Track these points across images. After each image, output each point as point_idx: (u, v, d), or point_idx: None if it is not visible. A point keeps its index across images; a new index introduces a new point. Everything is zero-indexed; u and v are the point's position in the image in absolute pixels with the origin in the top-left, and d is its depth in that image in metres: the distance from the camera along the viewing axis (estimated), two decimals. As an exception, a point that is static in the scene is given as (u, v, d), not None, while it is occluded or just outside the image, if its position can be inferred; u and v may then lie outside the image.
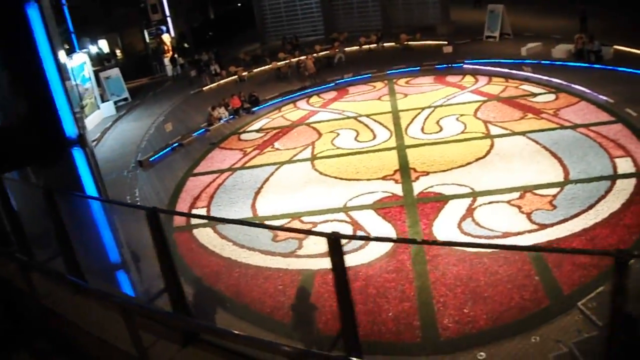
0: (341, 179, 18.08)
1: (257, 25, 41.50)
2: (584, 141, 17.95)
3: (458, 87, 25.12)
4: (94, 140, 25.90)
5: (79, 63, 29.23)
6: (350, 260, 13.48)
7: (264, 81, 31.18)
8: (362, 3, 38.53)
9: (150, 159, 22.33)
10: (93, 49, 35.58)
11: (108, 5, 37.52)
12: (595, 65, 24.50)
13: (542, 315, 10.75)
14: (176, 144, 23.53)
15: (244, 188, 18.74)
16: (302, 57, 31.36)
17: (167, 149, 23.10)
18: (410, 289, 12.08)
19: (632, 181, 15.11)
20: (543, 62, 26.07)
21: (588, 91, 21.80)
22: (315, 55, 32.38)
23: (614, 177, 15.47)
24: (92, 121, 28.46)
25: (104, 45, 38.20)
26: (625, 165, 16.04)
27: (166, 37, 38.34)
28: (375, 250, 13.60)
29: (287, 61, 32.08)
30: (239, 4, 49.69)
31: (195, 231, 16.15)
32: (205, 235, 15.88)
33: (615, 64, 24.14)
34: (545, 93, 22.72)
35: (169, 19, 39.01)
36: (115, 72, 32.37)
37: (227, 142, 23.55)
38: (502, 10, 31.01)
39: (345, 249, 3.70)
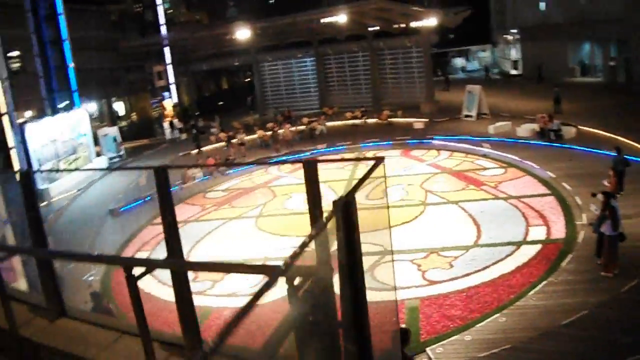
0: (275, 234, 18.91)
1: (257, 97, 43.38)
2: (510, 211, 18.57)
3: (418, 160, 26.07)
4: (79, 190, 27.41)
5: (76, 119, 31.13)
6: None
7: (248, 148, 32.50)
8: (355, 81, 40.28)
9: (121, 209, 23.53)
10: (93, 108, 37.62)
11: (119, 71, 40.14)
12: (555, 144, 25.12)
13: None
14: (148, 198, 24.69)
15: (188, 238, 19.63)
16: (280, 128, 32.80)
17: (139, 201, 24.23)
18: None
19: (536, 247, 15.63)
20: (507, 139, 26.78)
21: (536, 167, 22.41)
22: (301, 127, 33.83)
23: (521, 243, 16.01)
24: (82, 175, 29.93)
25: (119, 107, 40.88)
26: (537, 233, 16.59)
27: (167, 103, 40.36)
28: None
29: (270, 131, 33.36)
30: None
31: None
32: (143, 280, 16.73)
33: (573, 143, 24.77)
34: (495, 167, 23.45)
35: (172, 86, 41.13)
36: (112, 131, 34.22)
37: (192, 198, 24.74)
38: (480, 92, 32.10)
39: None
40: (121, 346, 4.42)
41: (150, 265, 4.11)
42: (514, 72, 48.20)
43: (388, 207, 4.38)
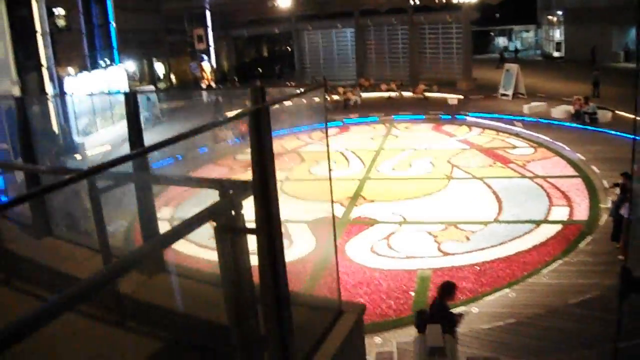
0: (298, 198, 19.07)
1: (295, 66, 43.50)
2: (534, 190, 18.47)
3: (449, 135, 25.96)
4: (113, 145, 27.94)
5: (114, 76, 31.77)
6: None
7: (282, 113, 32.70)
8: (393, 54, 40.08)
9: (152, 165, 23.93)
10: (132, 67, 38.16)
11: (161, 33, 40.64)
12: (589, 127, 24.78)
13: (396, 322, 11.44)
14: (179, 157, 25.14)
15: (213, 197, 19.99)
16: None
17: (170, 159, 24.61)
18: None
19: (557, 227, 15.50)
20: (541, 120, 26.55)
21: (567, 148, 22.17)
22: (336, 96, 33.89)
23: (541, 222, 15.92)
24: (118, 129, 30.51)
25: (159, 68, 41.42)
26: (559, 213, 16.45)
27: (206, 66, 40.73)
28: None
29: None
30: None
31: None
32: (161, 228, 17.10)
33: (608, 127, 24.40)
34: (526, 147, 23.28)
35: (211, 50, 41.45)
36: (148, 90, 34.74)
37: (221, 160, 25.02)
38: (517, 70, 31.69)
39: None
40: (92, 262, 4.69)
41: (113, 178, 4.44)
42: (556, 54, 47.31)
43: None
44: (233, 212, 3.31)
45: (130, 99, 4.65)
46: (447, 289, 8.71)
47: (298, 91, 6.00)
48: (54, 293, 4.59)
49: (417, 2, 37.08)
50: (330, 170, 4.90)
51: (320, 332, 4.30)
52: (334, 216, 5.58)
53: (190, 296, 4.59)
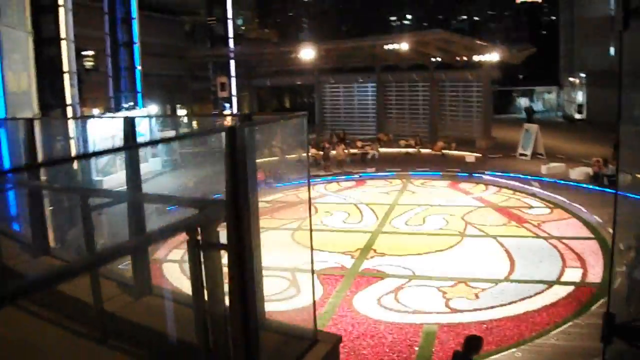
0: (309, 248, 18.95)
1: (316, 118, 43.91)
2: (548, 250, 18.22)
3: (465, 193, 25.89)
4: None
5: (137, 119, 32.20)
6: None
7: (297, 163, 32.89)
8: (414, 110, 40.34)
9: (168, 208, 24.14)
10: (155, 111, 38.82)
11: (185, 79, 41.49)
12: (608, 189, 24.54)
13: (398, 378, 11.21)
14: (193, 202, 25.29)
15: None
16: (332, 149, 33.15)
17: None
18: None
19: (569, 289, 15.21)
20: (559, 181, 26.40)
21: (584, 210, 21.92)
22: (354, 150, 34.10)
23: (553, 282, 15.65)
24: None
25: (182, 114, 42.33)
26: (572, 275, 16.18)
27: (227, 114, 41.34)
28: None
29: (322, 151, 33.71)
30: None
31: (165, 264, 17.54)
32: (170, 268, 17.14)
33: (627, 190, 24.07)
34: (542, 207, 23.12)
35: (234, 99, 42.06)
36: (170, 135, 35.21)
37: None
38: (537, 131, 31.71)
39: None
40: (84, 280, 4.75)
41: (106, 196, 4.63)
42: (578, 116, 47.34)
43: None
44: (207, 228, 3.37)
45: (128, 124, 4.82)
46: (474, 344, 8.60)
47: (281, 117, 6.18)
48: (46, 309, 4.71)
49: (439, 60, 37.49)
50: (310, 222, 5.13)
51: (292, 359, 4.31)
52: (312, 255, 5.67)
53: (174, 319, 4.66)
